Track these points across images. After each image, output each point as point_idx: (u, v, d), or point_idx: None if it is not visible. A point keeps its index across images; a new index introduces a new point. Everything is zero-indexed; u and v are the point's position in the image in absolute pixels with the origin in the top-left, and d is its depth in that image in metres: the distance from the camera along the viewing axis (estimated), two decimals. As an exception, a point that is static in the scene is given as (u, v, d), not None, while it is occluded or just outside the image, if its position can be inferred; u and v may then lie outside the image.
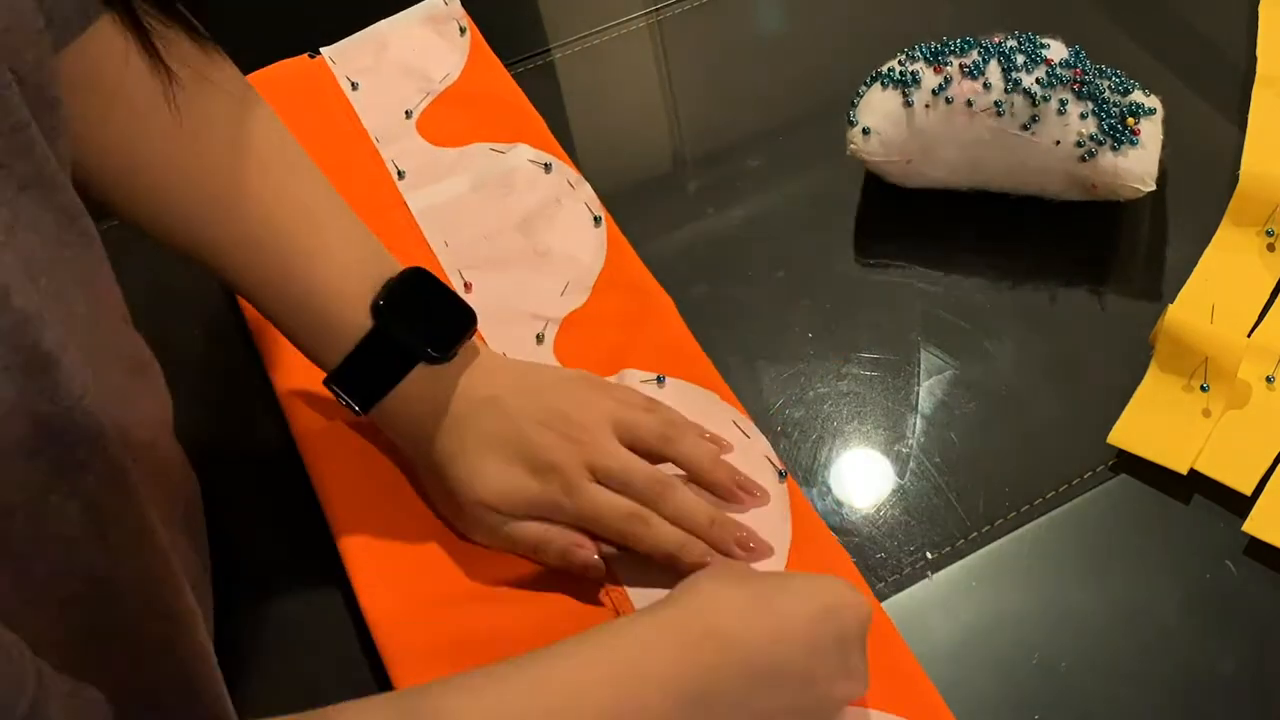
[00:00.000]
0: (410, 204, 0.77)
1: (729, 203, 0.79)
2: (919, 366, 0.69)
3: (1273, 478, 0.61)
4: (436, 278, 0.61)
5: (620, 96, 0.87)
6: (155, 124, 0.57)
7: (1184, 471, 0.61)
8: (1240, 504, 0.61)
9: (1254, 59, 0.81)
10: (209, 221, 0.59)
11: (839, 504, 0.63)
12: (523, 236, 0.74)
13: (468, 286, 0.72)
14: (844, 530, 0.62)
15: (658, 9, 0.93)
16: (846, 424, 0.67)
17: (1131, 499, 0.62)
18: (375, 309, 0.59)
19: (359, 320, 0.59)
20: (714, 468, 0.61)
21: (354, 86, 0.84)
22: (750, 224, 0.78)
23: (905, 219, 0.76)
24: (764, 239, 0.76)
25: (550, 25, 0.94)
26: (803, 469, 0.65)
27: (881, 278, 0.73)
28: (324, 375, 0.60)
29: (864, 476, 0.65)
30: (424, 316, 0.60)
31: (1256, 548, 0.59)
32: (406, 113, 0.82)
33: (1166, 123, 0.72)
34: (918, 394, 0.67)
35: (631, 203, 0.78)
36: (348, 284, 0.59)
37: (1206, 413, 0.63)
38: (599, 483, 0.59)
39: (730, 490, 0.61)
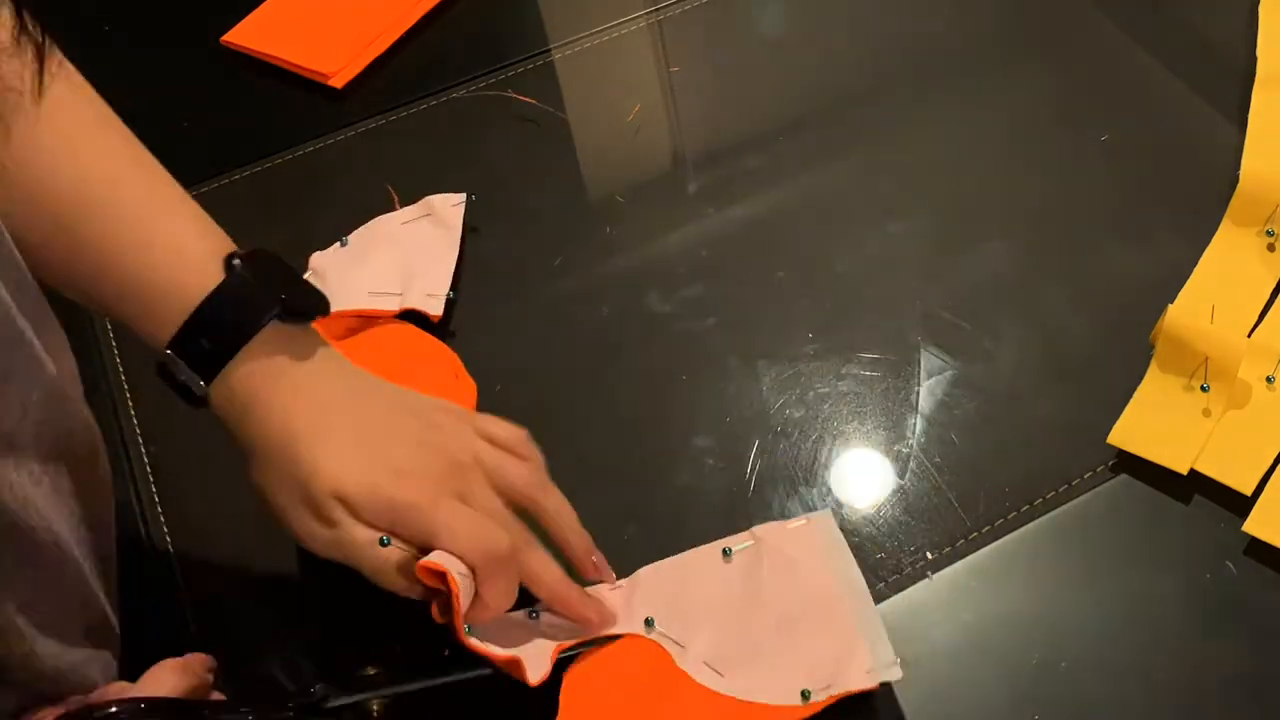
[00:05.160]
0: None
1: (729, 203, 0.79)
2: (919, 366, 0.69)
3: (1273, 478, 0.61)
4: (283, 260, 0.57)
5: (620, 96, 0.87)
6: None
7: (1184, 471, 0.61)
8: (1240, 504, 0.61)
9: (1254, 59, 0.81)
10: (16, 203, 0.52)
11: (839, 504, 0.63)
12: None
13: None
14: (844, 530, 0.62)
15: (658, 9, 0.93)
16: (846, 424, 0.67)
17: (1131, 499, 0.62)
18: (227, 263, 0.54)
19: (206, 278, 0.53)
20: (577, 531, 0.58)
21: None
22: (750, 224, 0.78)
23: (906, 219, 0.76)
24: (764, 239, 0.76)
25: (550, 25, 0.94)
26: (803, 469, 0.65)
27: (881, 278, 0.73)
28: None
29: (864, 476, 0.65)
30: (278, 279, 0.55)
31: (1256, 548, 0.59)
32: None
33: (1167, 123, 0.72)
34: (918, 394, 0.67)
35: (632, 203, 0.78)
36: (191, 244, 0.54)
37: (1206, 413, 0.63)
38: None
39: (584, 558, 0.58)
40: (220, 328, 0.53)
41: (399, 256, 0.75)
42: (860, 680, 0.55)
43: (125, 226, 0.54)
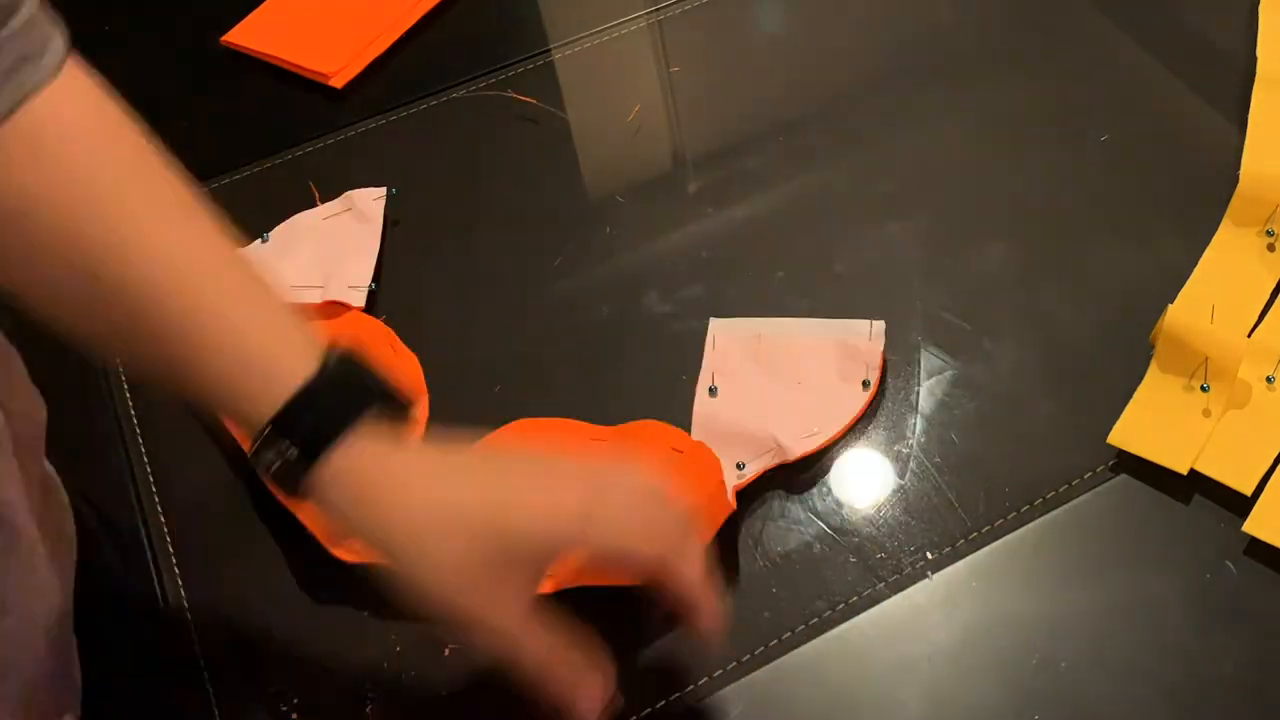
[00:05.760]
0: None
1: (729, 203, 0.79)
2: (919, 366, 0.69)
3: (1273, 478, 0.61)
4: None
5: (620, 96, 0.87)
6: None
7: (1184, 471, 0.61)
8: (1240, 504, 0.61)
9: (1254, 59, 0.81)
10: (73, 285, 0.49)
11: (839, 504, 0.63)
12: None
13: None
14: (844, 530, 0.62)
15: (658, 9, 0.93)
16: (846, 424, 0.67)
17: (1131, 499, 0.62)
18: (327, 353, 0.50)
19: (303, 364, 0.50)
20: None
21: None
22: (750, 224, 0.78)
23: (906, 219, 0.76)
24: (764, 239, 0.76)
25: (550, 25, 0.94)
26: (803, 469, 0.65)
27: (881, 278, 0.73)
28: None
29: (864, 476, 0.65)
30: (374, 376, 0.52)
31: (1256, 548, 0.59)
32: None
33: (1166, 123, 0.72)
34: (918, 394, 0.67)
35: (632, 203, 0.78)
36: (288, 333, 0.51)
37: (1206, 413, 0.63)
38: None
39: None
40: (320, 415, 0.49)
41: (320, 250, 0.77)
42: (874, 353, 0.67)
43: (214, 317, 0.50)
